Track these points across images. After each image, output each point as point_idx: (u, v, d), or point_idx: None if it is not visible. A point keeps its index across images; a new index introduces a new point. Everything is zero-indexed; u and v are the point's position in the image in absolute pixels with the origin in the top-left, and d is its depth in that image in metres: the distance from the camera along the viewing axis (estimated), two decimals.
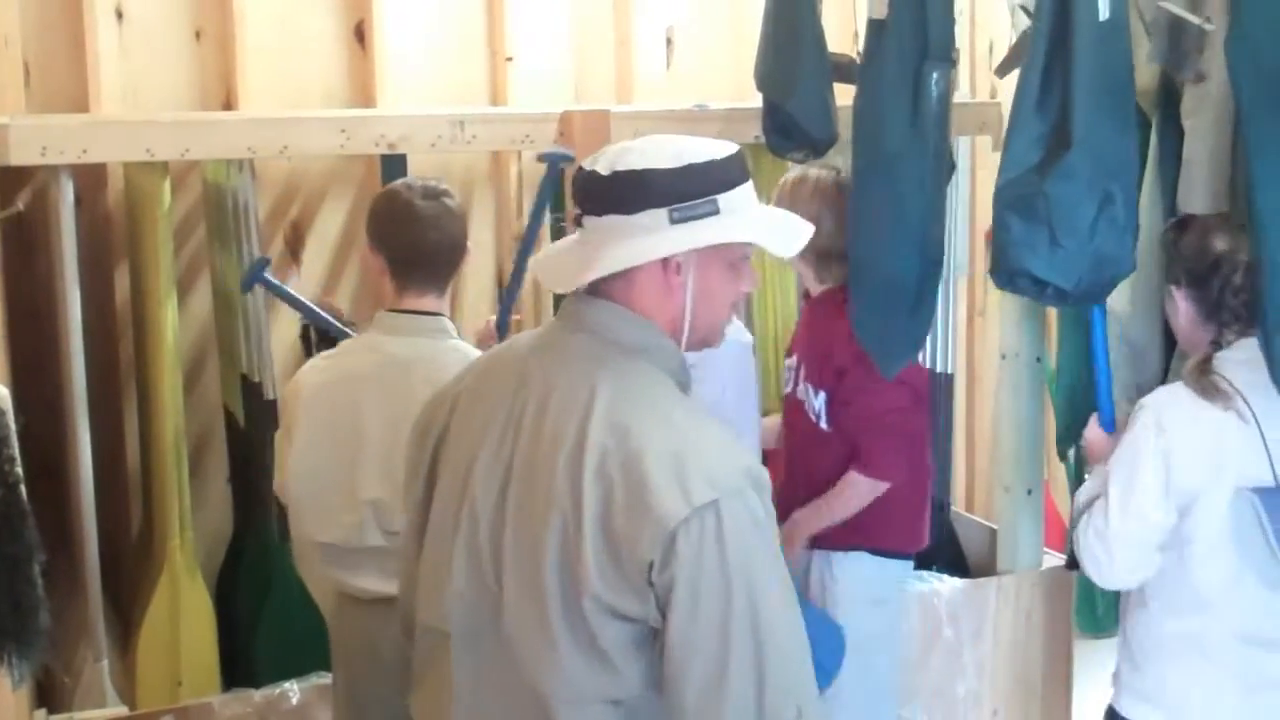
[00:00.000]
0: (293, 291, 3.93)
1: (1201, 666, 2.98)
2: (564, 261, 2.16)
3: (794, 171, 3.76)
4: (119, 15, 4.24)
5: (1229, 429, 2.90)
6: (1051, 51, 3.04)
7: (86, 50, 4.17)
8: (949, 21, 3.24)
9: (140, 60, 4.28)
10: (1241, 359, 2.95)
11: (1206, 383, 2.93)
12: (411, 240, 3.01)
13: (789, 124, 3.98)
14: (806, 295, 3.80)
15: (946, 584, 4.01)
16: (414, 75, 4.60)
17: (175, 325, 3.90)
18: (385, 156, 4.25)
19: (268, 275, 3.80)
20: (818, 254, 3.47)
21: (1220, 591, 2.94)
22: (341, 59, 4.54)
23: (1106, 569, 3.01)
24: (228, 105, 4.37)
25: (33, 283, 4.03)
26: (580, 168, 2.11)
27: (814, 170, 3.70)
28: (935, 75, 3.16)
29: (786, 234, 2.19)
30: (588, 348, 2.10)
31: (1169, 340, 3.33)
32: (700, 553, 1.93)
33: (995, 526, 4.16)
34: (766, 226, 2.16)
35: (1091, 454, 3.27)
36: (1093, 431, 3.28)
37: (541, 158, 3.89)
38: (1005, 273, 3.15)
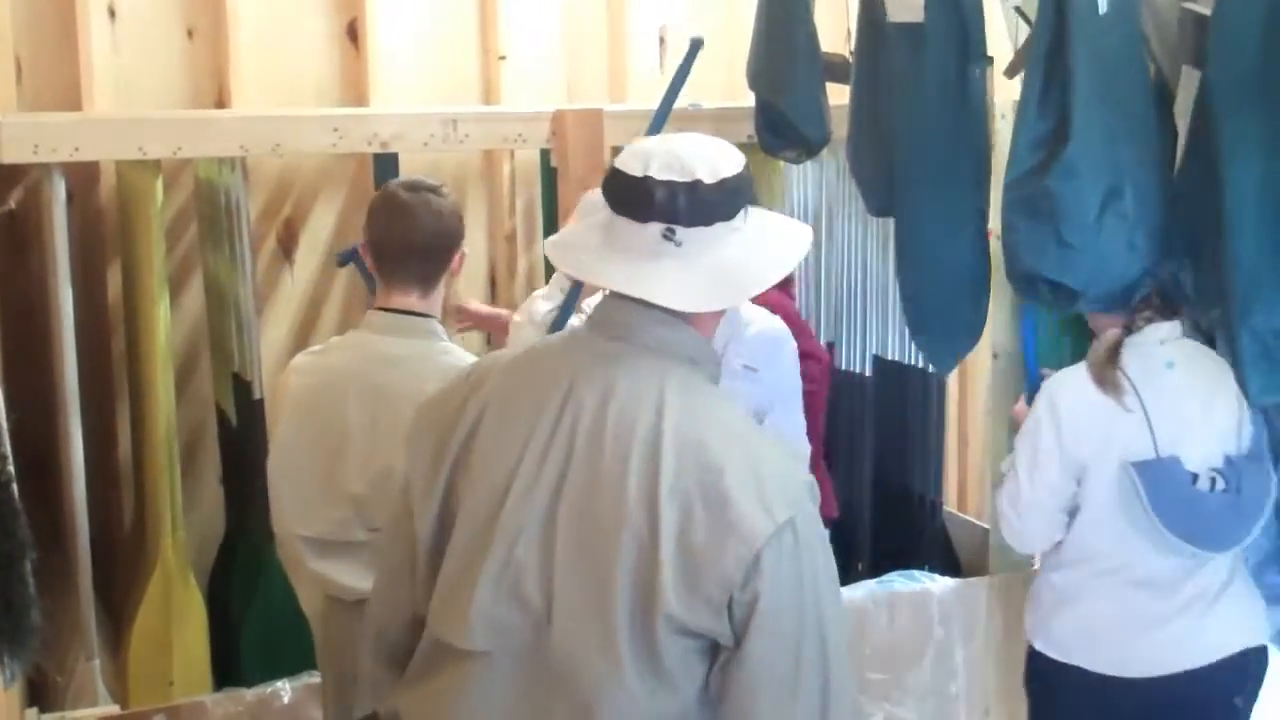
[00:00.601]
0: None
1: (1099, 608, 3.20)
2: (676, 276, 2.04)
3: None
4: (111, 13, 4.24)
5: (1118, 414, 3.10)
6: (1051, 50, 3.04)
7: (79, 48, 4.17)
8: (982, 21, 3.24)
9: (132, 58, 4.28)
10: (1144, 344, 3.12)
11: (1106, 374, 3.11)
12: (390, 233, 3.01)
13: (781, 123, 3.98)
14: None
15: (938, 584, 4.01)
16: (406, 73, 4.60)
17: (167, 323, 3.90)
18: (378, 155, 4.24)
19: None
20: None
21: (1111, 548, 3.16)
22: (334, 57, 4.54)
23: (1019, 533, 3.27)
24: (220, 103, 4.37)
25: (25, 281, 4.03)
26: (655, 178, 2.03)
27: None
28: (978, 74, 3.16)
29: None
30: (639, 357, 2.07)
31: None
32: (780, 570, 1.94)
33: (987, 526, 4.16)
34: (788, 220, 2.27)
35: (1016, 428, 3.37)
36: (1019, 407, 3.45)
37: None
38: (1020, 277, 3.15)
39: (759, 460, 2.01)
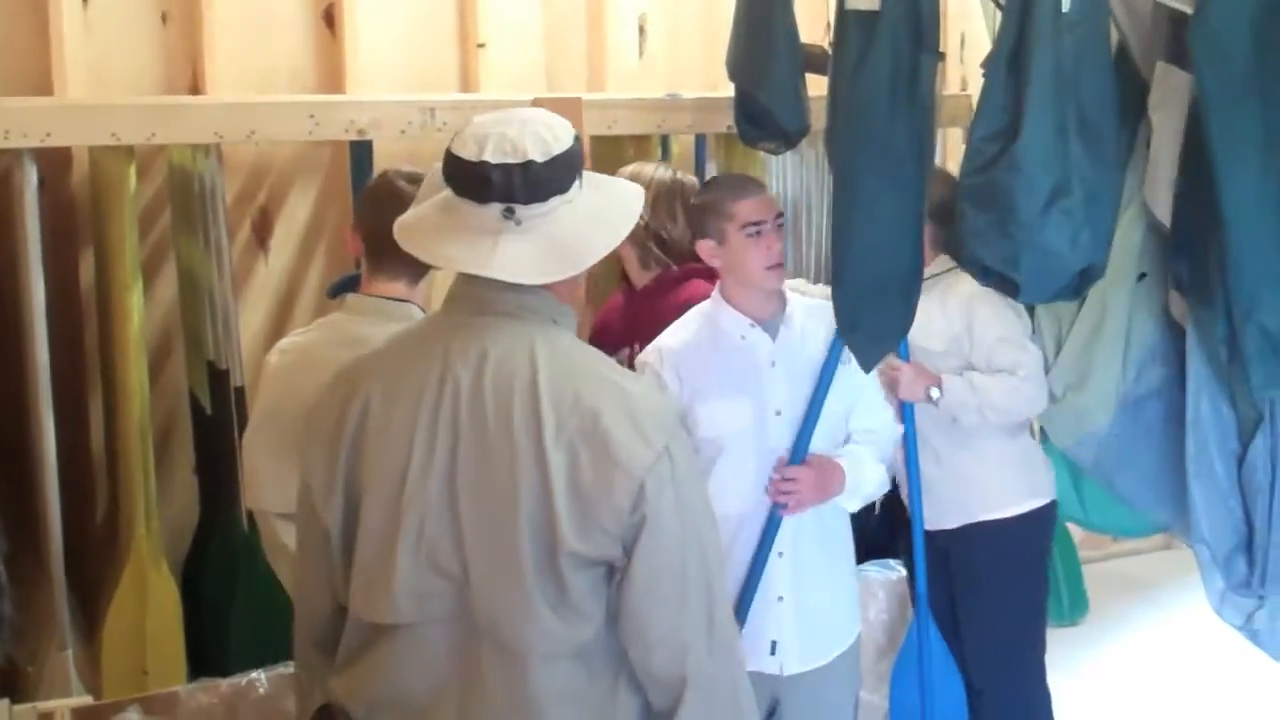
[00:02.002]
0: None
1: None
2: (518, 252, 2.16)
3: (629, 167, 3.82)
4: None
5: None
6: (1015, 46, 3.05)
7: (51, 33, 4.13)
8: (937, 13, 3.24)
9: (105, 43, 4.24)
10: None
11: None
12: (384, 222, 2.99)
13: (761, 113, 3.98)
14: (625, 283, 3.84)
15: (880, 573, 4.06)
16: (384, 61, 4.57)
17: (141, 311, 3.88)
18: (354, 143, 4.22)
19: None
20: (645, 242, 3.65)
21: None
22: (310, 44, 4.51)
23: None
24: (194, 89, 4.34)
25: None
26: (490, 162, 2.13)
27: (649, 166, 3.81)
28: (929, 66, 3.16)
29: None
30: (506, 326, 2.19)
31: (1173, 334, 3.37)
32: (662, 493, 2.12)
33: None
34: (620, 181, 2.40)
35: (903, 385, 3.49)
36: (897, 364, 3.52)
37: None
38: (967, 261, 3.19)
39: (629, 398, 2.17)
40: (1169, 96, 3.20)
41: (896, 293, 3.20)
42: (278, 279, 4.52)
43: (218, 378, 4.04)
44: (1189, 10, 3.00)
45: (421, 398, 2.18)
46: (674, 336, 3.26)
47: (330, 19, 4.50)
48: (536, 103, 3.96)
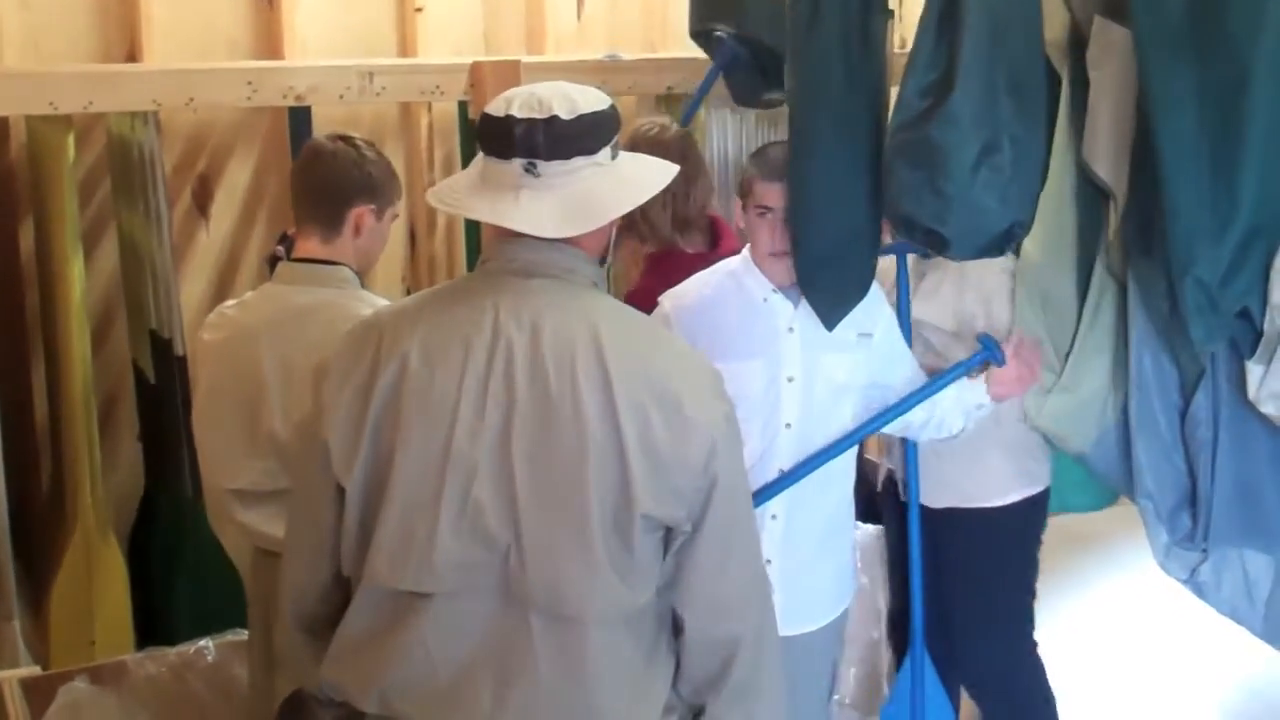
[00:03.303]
0: None
1: None
2: (537, 205, 2.16)
3: (647, 124, 3.81)
4: None
5: None
6: (947, 5, 3.06)
7: None
8: None
9: (41, 12, 4.21)
10: None
11: None
12: (296, 177, 3.02)
13: (757, 53, 3.94)
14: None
15: (859, 531, 4.04)
16: (321, 26, 4.55)
17: (82, 281, 3.86)
18: (292, 109, 4.21)
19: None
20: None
21: None
22: (248, 10, 4.48)
23: None
24: (131, 57, 4.31)
25: None
26: (515, 117, 2.14)
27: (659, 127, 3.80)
28: (879, 26, 3.17)
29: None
30: (556, 290, 2.19)
31: (1083, 290, 3.38)
32: (730, 452, 2.19)
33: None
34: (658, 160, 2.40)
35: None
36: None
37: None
38: (898, 221, 3.19)
39: (688, 361, 2.24)
40: (1106, 52, 3.21)
41: (855, 251, 3.21)
42: (219, 247, 4.51)
43: (161, 347, 4.03)
44: None
45: (469, 358, 2.14)
46: (692, 292, 3.22)
47: None
48: (475, 66, 3.97)
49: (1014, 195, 3.06)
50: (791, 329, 3.15)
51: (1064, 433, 3.47)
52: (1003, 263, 3.38)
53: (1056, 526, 5.44)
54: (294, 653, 2.32)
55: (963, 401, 3.32)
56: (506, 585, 2.12)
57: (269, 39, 4.48)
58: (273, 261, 3.34)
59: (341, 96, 3.98)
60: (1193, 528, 3.32)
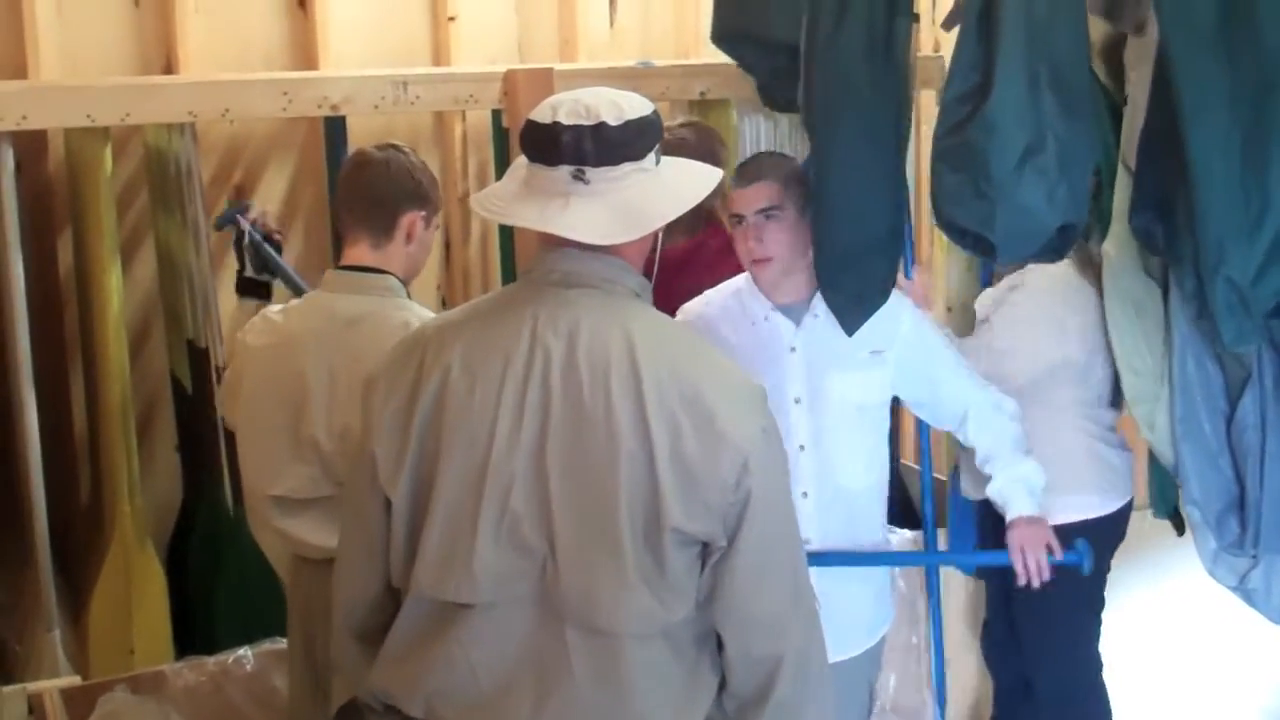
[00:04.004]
0: (264, 243, 3.85)
1: None
2: (585, 212, 2.14)
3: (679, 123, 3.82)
4: None
5: None
6: (985, 4, 3.04)
7: (24, 16, 4.13)
8: None
9: (79, 25, 4.24)
10: None
11: None
12: (344, 186, 3.03)
13: (785, 61, 3.93)
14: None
15: (897, 535, 4.02)
16: (356, 36, 4.57)
17: (120, 292, 3.88)
18: (328, 119, 4.22)
19: (243, 221, 3.70)
20: None
21: None
22: (282, 21, 4.51)
23: None
24: (168, 69, 4.33)
25: None
26: (562, 124, 2.13)
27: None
28: (904, 30, 3.17)
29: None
30: (594, 298, 2.18)
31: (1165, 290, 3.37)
32: (766, 468, 2.14)
33: (943, 478, 4.19)
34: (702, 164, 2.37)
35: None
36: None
37: None
38: (944, 225, 3.17)
39: (726, 374, 2.19)
40: (1145, 52, 3.20)
41: (878, 254, 3.19)
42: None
43: (198, 356, 4.05)
44: None
45: (508, 369, 2.14)
46: (705, 305, 3.19)
47: None
48: (508, 74, 3.98)
49: (1062, 195, 3.01)
50: (794, 349, 3.09)
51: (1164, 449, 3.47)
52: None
53: None
54: (349, 661, 2.33)
55: (1030, 483, 3.22)
56: (544, 596, 2.13)
57: (304, 49, 4.50)
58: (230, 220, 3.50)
59: (376, 106, 3.99)
60: (1241, 533, 3.30)
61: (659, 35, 4.99)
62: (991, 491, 3.24)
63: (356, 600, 2.30)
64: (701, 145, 3.66)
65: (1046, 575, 3.15)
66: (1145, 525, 5.34)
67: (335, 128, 4.27)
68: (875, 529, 3.22)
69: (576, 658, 2.12)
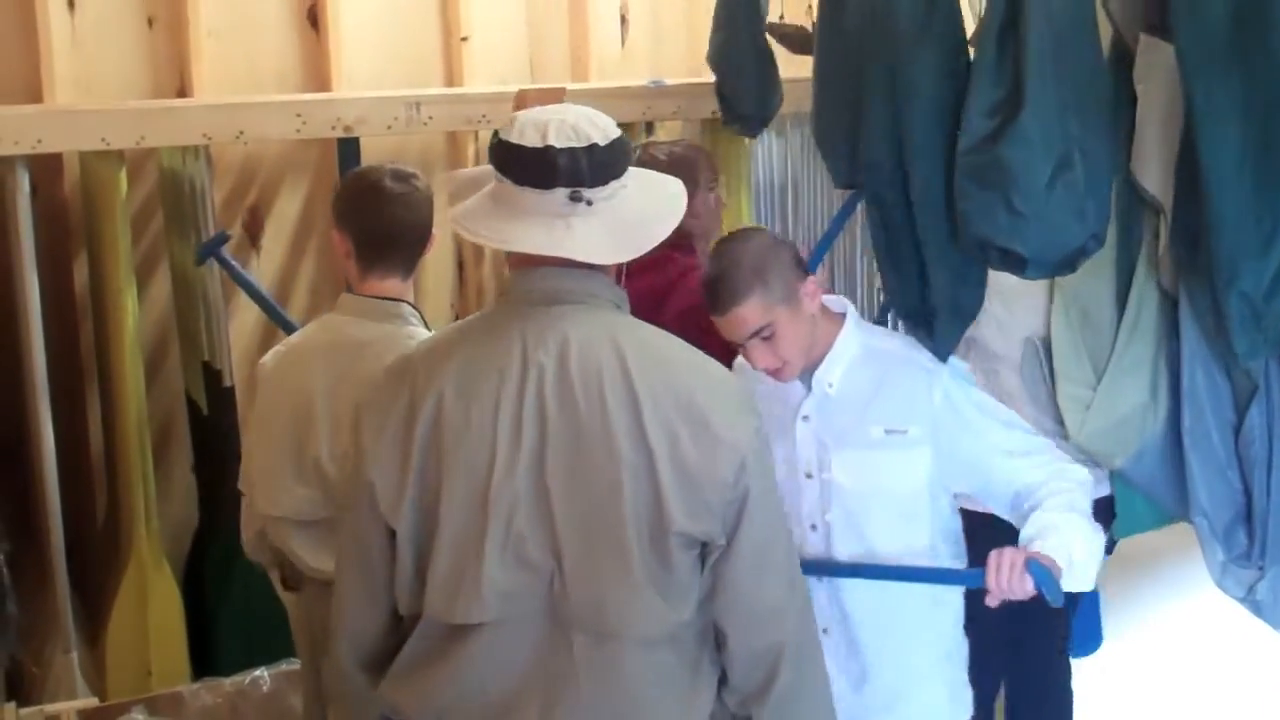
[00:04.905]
0: (245, 273, 3.92)
1: None
2: (587, 233, 2.15)
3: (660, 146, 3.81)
4: (70, 4, 4.21)
5: None
6: (1006, 18, 3.04)
7: (39, 40, 4.14)
8: None
9: (93, 49, 4.26)
10: None
11: None
12: (378, 221, 3.00)
13: (730, 98, 4.00)
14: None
15: None
16: (368, 57, 4.58)
17: (135, 313, 3.90)
18: (341, 140, 4.24)
19: (223, 252, 3.80)
20: None
21: None
22: (295, 43, 4.53)
23: None
24: (182, 92, 4.35)
25: None
26: (555, 147, 2.13)
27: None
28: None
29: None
30: (579, 314, 2.19)
31: (1121, 305, 3.36)
32: (760, 466, 2.20)
33: None
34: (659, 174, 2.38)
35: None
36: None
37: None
38: (971, 242, 3.15)
39: (715, 378, 2.24)
40: (1153, 68, 3.20)
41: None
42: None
43: (213, 378, 4.06)
44: None
45: (502, 389, 2.15)
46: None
47: (314, 18, 4.51)
48: (521, 94, 3.99)
49: (1090, 210, 3.00)
50: (806, 417, 2.79)
51: (1104, 450, 3.44)
52: None
53: None
54: (352, 690, 2.33)
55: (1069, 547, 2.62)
56: (552, 609, 2.15)
57: (316, 70, 4.52)
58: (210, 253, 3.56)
59: (389, 127, 4.01)
60: (1249, 545, 3.27)
61: (670, 54, 5.01)
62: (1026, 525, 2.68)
63: (362, 632, 2.30)
64: (685, 165, 3.67)
65: (1019, 595, 2.55)
66: (1161, 538, 5.39)
67: (349, 148, 4.29)
68: (926, 597, 2.82)
69: (583, 666, 2.15)
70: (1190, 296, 3.21)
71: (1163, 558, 5.51)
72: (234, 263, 3.85)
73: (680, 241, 3.60)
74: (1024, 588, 2.51)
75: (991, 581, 2.52)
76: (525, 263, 2.22)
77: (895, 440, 2.74)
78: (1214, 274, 2.94)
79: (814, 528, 2.78)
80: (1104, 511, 3.57)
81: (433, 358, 2.24)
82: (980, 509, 2.95)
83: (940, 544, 2.80)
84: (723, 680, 2.24)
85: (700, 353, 2.28)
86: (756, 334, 2.70)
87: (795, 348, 2.74)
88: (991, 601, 2.56)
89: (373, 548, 2.24)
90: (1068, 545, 2.58)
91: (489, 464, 2.14)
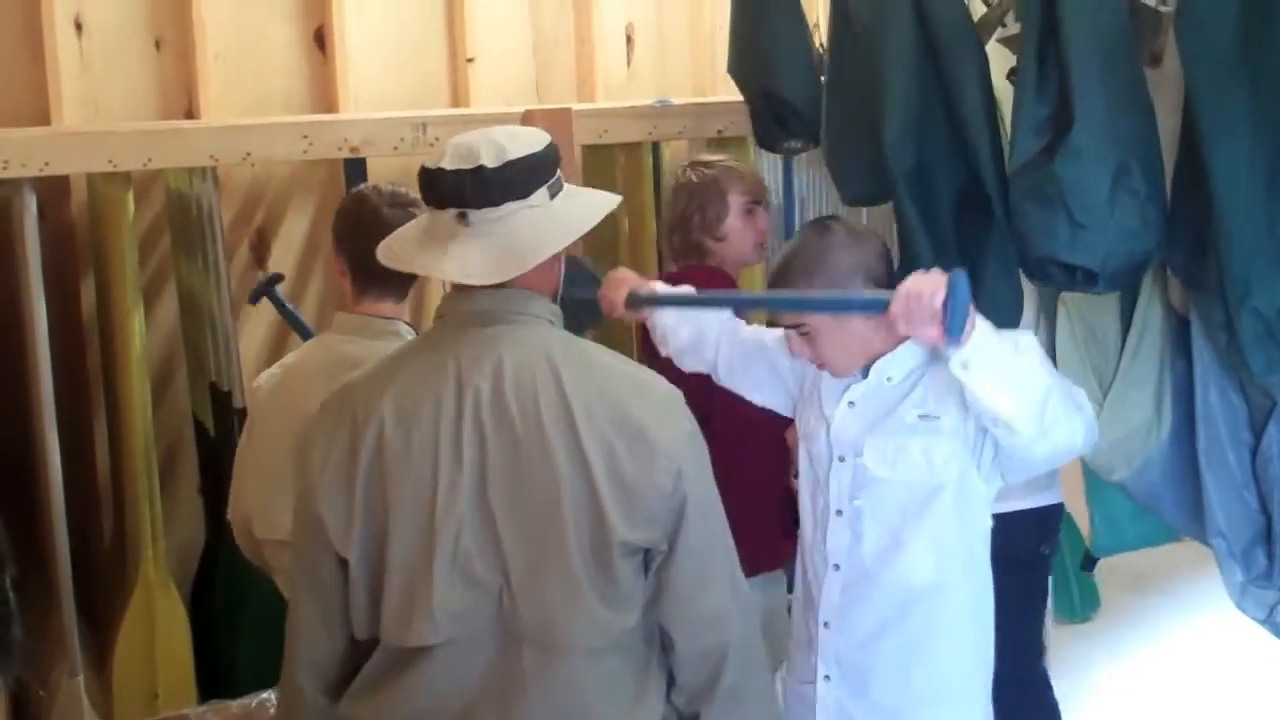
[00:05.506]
0: (296, 312, 3.96)
1: None
2: (469, 254, 2.20)
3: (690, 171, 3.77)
4: (78, 26, 4.23)
5: None
6: (1044, 32, 3.03)
7: (46, 62, 4.16)
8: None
9: (100, 71, 4.27)
10: None
11: None
12: (369, 243, 3.00)
13: (783, 109, 3.94)
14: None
15: None
16: (375, 79, 4.60)
17: (143, 335, 3.90)
18: (348, 161, 4.24)
19: (277, 292, 3.89)
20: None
21: None
22: (302, 64, 4.54)
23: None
24: (189, 114, 4.36)
25: None
26: (446, 169, 2.19)
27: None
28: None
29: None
30: (513, 333, 2.23)
31: (1125, 322, 3.35)
32: (697, 471, 2.24)
33: None
34: (602, 193, 2.42)
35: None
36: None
37: None
38: (1033, 262, 3.12)
39: (646, 387, 2.28)
40: (1161, 87, 3.19)
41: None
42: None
43: (220, 399, 4.06)
44: (1149, 2, 3.02)
45: (440, 414, 2.19)
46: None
47: (321, 40, 4.53)
48: (527, 114, 3.99)
49: (1152, 214, 3.00)
50: (853, 403, 2.74)
51: (1107, 463, 3.43)
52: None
53: (1117, 564, 5.40)
54: (314, 707, 2.34)
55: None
56: (502, 624, 2.20)
57: (323, 91, 4.53)
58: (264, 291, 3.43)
59: (396, 148, 4.01)
60: (1269, 565, 3.26)
61: (676, 74, 5.02)
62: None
63: (320, 660, 2.33)
64: (702, 189, 3.66)
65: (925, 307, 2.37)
66: (1176, 557, 5.35)
67: (355, 169, 4.29)
68: (951, 651, 2.76)
69: (532, 677, 2.19)
70: (1201, 314, 3.20)
71: (1168, 578, 5.50)
72: (287, 303, 3.91)
73: (709, 266, 3.61)
74: (934, 301, 2.35)
75: (905, 290, 2.40)
76: (456, 285, 2.28)
77: (927, 426, 2.67)
78: (1226, 291, 2.93)
79: (839, 513, 2.74)
80: (1050, 521, 3.54)
81: (371, 387, 2.28)
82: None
83: (973, 546, 2.74)
84: (671, 681, 2.29)
85: (635, 364, 2.36)
86: (794, 326, 2.72)
87: (833, 353, 2.72)
88: (895, 311, 2.40)
89: (326, 578, 2.28)
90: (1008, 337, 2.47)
91: (432, 488, 2.18)
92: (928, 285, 2.37)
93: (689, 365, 3.03)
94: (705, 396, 2.92)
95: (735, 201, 3.64)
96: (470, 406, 2.18)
